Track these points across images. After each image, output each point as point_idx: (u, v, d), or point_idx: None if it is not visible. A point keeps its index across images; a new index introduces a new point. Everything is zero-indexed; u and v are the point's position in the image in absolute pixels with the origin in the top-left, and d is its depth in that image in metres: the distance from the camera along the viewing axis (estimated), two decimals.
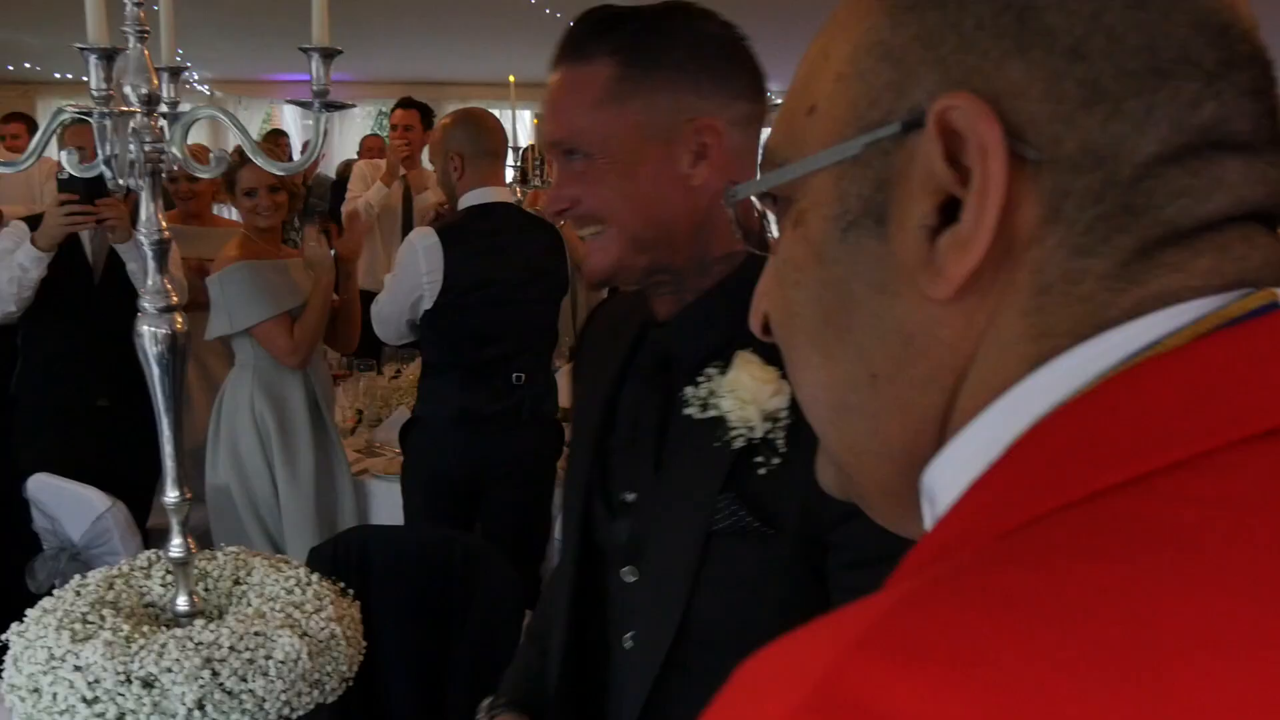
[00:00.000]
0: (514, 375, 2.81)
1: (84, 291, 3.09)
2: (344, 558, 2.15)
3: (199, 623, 1.43)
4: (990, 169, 0.39)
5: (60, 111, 1.43)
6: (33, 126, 5.90)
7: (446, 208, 3.39)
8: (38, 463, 2.85)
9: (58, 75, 10.51)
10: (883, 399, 0.44)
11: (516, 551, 2.59)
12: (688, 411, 1.01)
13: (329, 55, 1.40)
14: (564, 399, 3.23)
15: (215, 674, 1.35)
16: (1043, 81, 0.39)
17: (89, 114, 1.29)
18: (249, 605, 1.52)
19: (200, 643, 1.37)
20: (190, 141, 1.45)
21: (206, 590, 1.57)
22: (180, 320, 1.48)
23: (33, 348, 3.17)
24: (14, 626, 1.46)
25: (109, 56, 1.23)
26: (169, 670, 1.33)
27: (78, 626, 1.42)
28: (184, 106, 1.44)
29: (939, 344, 0.42)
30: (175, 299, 1.47)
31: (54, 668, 1.36)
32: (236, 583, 1.59)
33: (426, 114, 5.08)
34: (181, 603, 1.50)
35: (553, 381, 3.00)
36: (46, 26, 7.74)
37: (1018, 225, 0.40)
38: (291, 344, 2.93)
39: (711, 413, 1.00)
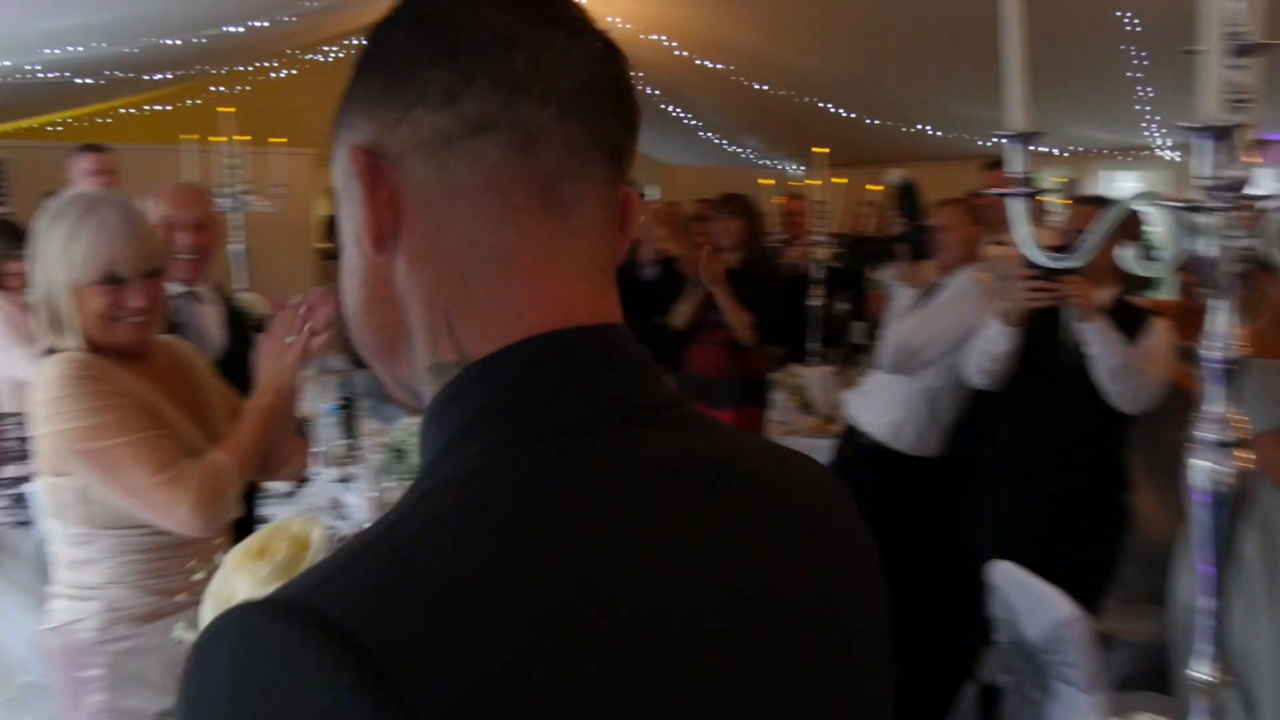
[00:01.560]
0: None
1: (1053, 369, 2.97)
2: None
3: None
4: None
5: (1121, 201, 1.23)
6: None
7: None
8: (996, 540, 2.82)
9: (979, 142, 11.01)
10: None
11: None
12: None
13: None
14: None
15: None
16: None
17: (1172, 204, 1.05)
18: None
19: None
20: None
21: None
22: (1245, 460, 1.17)
23: (1001, 422, 3.14)
24: None
25: (1222, 135, 0.97)
26: None
27: None
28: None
29: None
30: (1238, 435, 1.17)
31: None
32: None
33: None
34: None
35: None
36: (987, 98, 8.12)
37: None
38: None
39: None
